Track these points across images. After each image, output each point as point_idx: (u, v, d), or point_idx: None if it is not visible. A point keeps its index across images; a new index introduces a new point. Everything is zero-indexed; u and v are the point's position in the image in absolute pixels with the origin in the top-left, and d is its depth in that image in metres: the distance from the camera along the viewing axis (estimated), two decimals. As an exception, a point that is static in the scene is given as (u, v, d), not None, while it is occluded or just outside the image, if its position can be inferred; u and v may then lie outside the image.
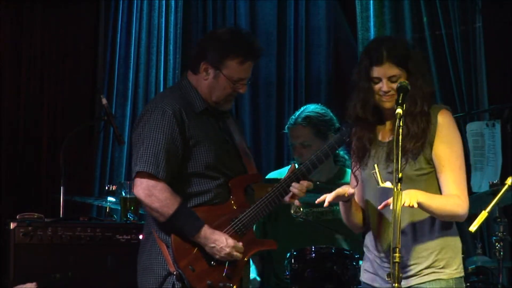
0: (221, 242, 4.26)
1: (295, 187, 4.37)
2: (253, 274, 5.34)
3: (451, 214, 3.66)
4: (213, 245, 4.26)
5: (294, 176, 4.39)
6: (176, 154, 4.28)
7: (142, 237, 4.48)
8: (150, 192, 4.23)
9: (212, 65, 4.37)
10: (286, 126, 5.41)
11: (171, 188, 4.25)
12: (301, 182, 4.38)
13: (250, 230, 4.39)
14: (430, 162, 3.69)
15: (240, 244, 4.31)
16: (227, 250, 4.26)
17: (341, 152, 5.40)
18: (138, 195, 4.28)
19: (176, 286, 4.25)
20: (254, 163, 4.59)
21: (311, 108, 5.38)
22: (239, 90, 4.42)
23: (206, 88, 4.40)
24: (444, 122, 3.69)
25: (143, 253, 4.40)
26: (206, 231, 4.26)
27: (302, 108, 5.43)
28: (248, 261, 4.44)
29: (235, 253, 4.28)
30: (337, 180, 5.39)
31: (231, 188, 4.40)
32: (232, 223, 4.35)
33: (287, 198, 4.42)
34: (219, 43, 4.38)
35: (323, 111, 5.37)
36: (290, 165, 5.40)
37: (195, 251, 4.29)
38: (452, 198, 3.65)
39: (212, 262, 4.30)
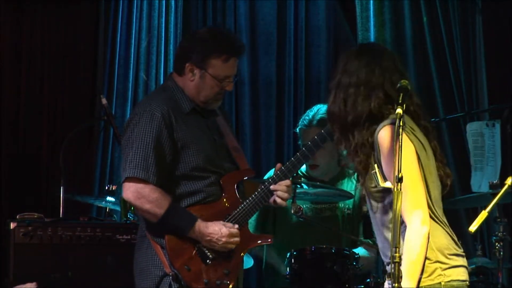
0: (216, 233, 4.28)
1: (278, 190, 4.40)
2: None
3: (423, 251, 3.44)
4: (208, 238, 4.29)
5: (286, 169, 4.41)
6: (165, 156, 4.30)
7: (137, 239, 4.49)
8: (140, 194, 4.25)
9: (197, 66, 4.40)
10: (299, 127, 5.38)
11: (160, 189, 4.26)
12: (279, 183, 4.40)
13: (244, 226, 4.41)
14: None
15: (235, 228, 4.32)
16: (223, 239, 4.28)
17: (345, 152, 5.38)
18: (127, 198, 4.31)
19: (173, 287, 4.26)
20: (246, 159, 4.61)
21: (325, 109, 5.34)
22: (226, 88, 4.44)
23: (193, 89, 4.42)
24: (383, 140, 3.49)
25: (139, 255, 4.41)
26: (199, 225, 4.29)
27: (315, 109, 5.37)
28: (243, 257, 4.46)
29: (232, 239, 4.29)
30: (339, 180, 5.40)
31: (222, 186, 4.42)
32: (226, 220, 4.36)
33: (271, 200, 4.43)
34: (201, 43, 4.42)
35: None
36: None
37: (189, 251, 4.31)
38: (407, 250, 3.43)
39: (208, 261, 4.32)
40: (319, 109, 5.35)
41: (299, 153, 4.45)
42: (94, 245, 4.97)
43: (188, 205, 4.35)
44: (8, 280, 4.84)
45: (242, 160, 4.55)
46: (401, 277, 3.32)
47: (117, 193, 5.29)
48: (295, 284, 4.81)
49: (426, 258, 3.47)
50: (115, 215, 5.38)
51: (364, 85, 3.59)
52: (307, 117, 5.36)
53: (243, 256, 4.43)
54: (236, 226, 4.35)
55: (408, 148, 3.48)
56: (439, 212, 3.58)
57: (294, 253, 4.85)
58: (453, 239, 3.57)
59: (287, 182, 4.44)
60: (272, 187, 4.41)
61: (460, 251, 3.58)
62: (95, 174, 6.29)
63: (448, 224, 3.59)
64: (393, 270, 3.30)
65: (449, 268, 3.52)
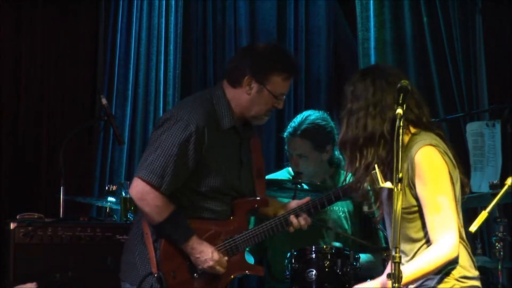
0: (206, 254, 4.31)
1: (294, 222, 4.46)
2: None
3: (435, 269, 3.49)
4: (198, 255, 4.31)
5: (299, 210, 4.45)
6: (186, 170, 4.29)
7: (132, 229, 4.50)
8: (143, 196, 4.27)
9: (257, 80, 4.37)
10: (285, 134, 5.37)
11: (165, 198, 4.26)
12: (299, 219, 4.43)
13: (241, 252, 4.42)
14: (418, 199, 3.56)
15: (225, 259, 4.35)
16: (211, 263, 4.31)
17: (336, 153, 5.39)
18: (131, 195, 4.36)
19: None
20: (265, 186, 4.61)
21: (312, 119, 5.31)
22: (278, 105, 4.44)
23: (247, 102, 4.39)
24: (421, 161, 3.51)
25: (129, 249, 4.45)
26: (193, 241, 4.30)
27: (303, 116, 5.34)
28: (232, 279, 4.47)
29: (217, 267, 4.33)
30: (331, 182, 5.39)
31: (233, 208, 4.43)
32: (225, 241, 4.39)
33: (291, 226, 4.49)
34: (263, 58, 4.40)
35: (324, 122, 5.30)
36: (286, 168, 5.45)
37: (181, 259, 4.32)
38: (425, 256, 3.49)
39: (195, 274, 4.33)
40: (307, 117, 5.31)
41: (324, 198, 4.52)
42: (94, 245, 4.97)
43: (193, 217, 4.36)
44: (8, 280, 4.84)
45: (261, 187, 4.57)
46: (401, 277, 3.32)
47: (117, 193, 5.28)
48: (295, 284, 4.80)
49: (446, 273, 3.52)
50: (115, 215, 5.38)
51: (373, 105, 3.58)
52: (293, 124, 5.33)
53: (230, 280, 4.44)
54: (226, 258, 4.36)
55: (444, 170, 3.51)
56: (462, 229, 3.59)
57: (295, 253, 4.85)
58: (472, 261, 3.61)
59: (308, 219, 4.50)
60: (291, 218, 4.46)
61: (477, 273, 3.62)
62: (95, 174, 6.28)
63: (468, 245, 3.62)
64: (393, 270, 3.30)
65: (466, 287, 3.56)
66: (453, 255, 3.49)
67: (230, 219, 4.43)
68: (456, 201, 3.56)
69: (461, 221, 3.60)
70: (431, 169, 3.52)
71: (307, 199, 4.54)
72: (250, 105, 4.40)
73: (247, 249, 4.59)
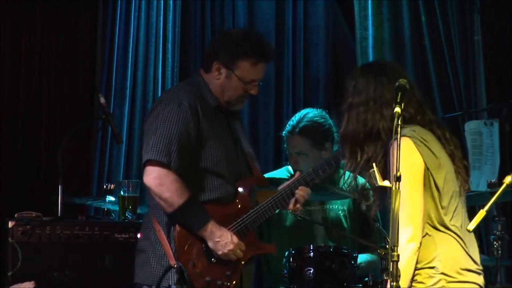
0: (226, 238, 4.29)
1: (299, 191, 4.42)
2: None
3: (408, 264, 3.45)
4: (218, 239, 4.28)
5: (298, 182, 4.43)
6: (189, 146, 4.29)
7: (140, 236, 4.49)
8: (162, 181, 4.24)
9: (225, 65, 4.39)
10: (283, 133, 5.38)
11: (181, 180, 4.25)
12: (302, 187, 4.43)
13: (251, 232, 4.41)
14: None
15: (243, 243, 4.33)
16: (231, 246, 4.29)
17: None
18: (148, 184, 4.27)
19: (171, 282, 4.26)
20: (259, 169, 4.61)
21: (310, 116, 5.33)
22: (251, 91, 4.44)
23: (218, 88, 4.42)
24: (391, 152, 3.49)
25: (141, 251, 4.43)
26: (212, 225, 4.29)
27: (301, 114, 5.36)
28: (248, 261, 4.46)
29: (238, 250, 4.30)
30: (330, 179, 5.39)
31: (237, 188, 4.42)
32: (235, 223, 4.37)
33: (290, 206, 4.46)
34: (232, 43, 4.41)
35: (322, 120, 5.32)
36: (285, 167, 5.46)
37: (197, 247, 4.31)
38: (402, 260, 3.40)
39: (213, 259, 4.32)
40: (305, 115, 5.33)
41: (318, 165, 4.50)
42: (93, 244, 4.96)
43: (202, 201, 4.35)
44: (5, 279, 4.84)
45: (255, 168, 4.57)
46: (399, 276, 3.33)
47: (115, 192, 5.28)
48: (293, 283, 4.81)
49: (431, 267, 3.50)
50: (113, 214, 5.38)
51: (373, 101, 3.60)
52: (291, 123, 5.34)
53: (246, 261, 4.43)
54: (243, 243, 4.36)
55: (415, 161, 3.50)
56: (456, 222, 3.56)
57: (293, 252, 4.85)
58: (468, 254, 3.55)
59: (308, 189, 4.48)
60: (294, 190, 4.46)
61: (475, 267, 3.56)
62: (94, 173, 6.28)
63: (464, 237, 3.55)
64: (391, 269, 3.30)
65: (455, 282, 3.52)
66: (413, 246, 3.45)
67: (235, 200, 4.43)
68: (432, 192, 3.51)
69: (456, 211, 3.56)
70: (401, 160, 3.43)
71: (298, 174, 4.53)
72: (221, 91, 4.41)
73: None
